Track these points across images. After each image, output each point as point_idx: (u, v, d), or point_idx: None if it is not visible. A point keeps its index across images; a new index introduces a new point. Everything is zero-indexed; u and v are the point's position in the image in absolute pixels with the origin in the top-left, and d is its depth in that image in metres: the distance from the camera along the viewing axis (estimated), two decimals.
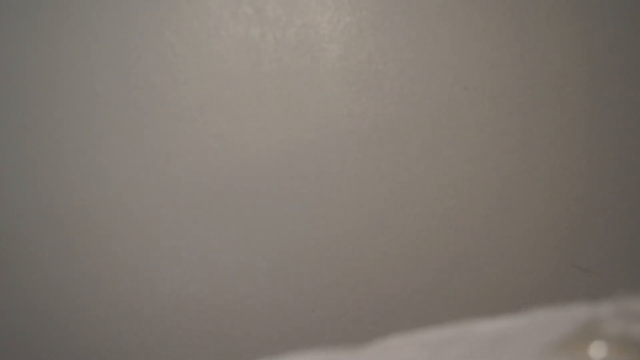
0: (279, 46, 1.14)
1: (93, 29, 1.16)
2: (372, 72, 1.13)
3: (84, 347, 1.12)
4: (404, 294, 1.02)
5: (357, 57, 1.13)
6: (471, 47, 1.12)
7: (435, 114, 1.11)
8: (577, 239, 1.02)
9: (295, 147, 1.12)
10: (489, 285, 1.01)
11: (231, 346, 1.08)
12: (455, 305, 1.06)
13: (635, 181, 1.05)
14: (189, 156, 1.14)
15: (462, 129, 1.11)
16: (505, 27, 1.12)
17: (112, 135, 1.15)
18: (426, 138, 1.11)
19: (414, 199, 1.09)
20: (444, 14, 1.13)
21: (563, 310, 0.49)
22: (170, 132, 1.15)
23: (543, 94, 1.12)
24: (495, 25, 1.12)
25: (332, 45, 1.14)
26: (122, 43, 1.16)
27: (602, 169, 1.06)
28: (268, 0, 1.15)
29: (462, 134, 1.11)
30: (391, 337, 0.56)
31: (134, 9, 1.16)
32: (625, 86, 1.08)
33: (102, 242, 1.14)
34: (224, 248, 1.11)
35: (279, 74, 1.14)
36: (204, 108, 1.15)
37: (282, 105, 1.14)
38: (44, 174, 1.15)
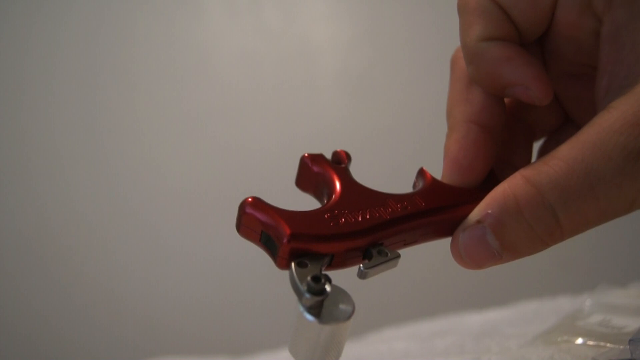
0: (277, 57, 1.16)
1: (97, 42, 1.17)
2: (369, 81, 1.13)
3: (86, 347, 1.12)
4: (397, 288, 1.04)
5: (354, 67, 1.14)
6: None
7: (432, 122, 1.11)
8: None
9: (294, 154, 1.13)
10: (478, 279, 1.03)
11: (234, 340, 1.09)
12: (445, 299, 1.08)
13: None
14: (192, 162, 1.15)
15: None
16: None
17: (118, 143, 1.16)
18: (423, 145, 1.11)
19: None
20: (439, 24, 1.13)
21: (547, 302, 0.51)
22: (174, 141, 1.16)
23: None
24: None
25: (329, 56, 1.15)
26: (125, 56, 1.17)
27: None
28: (267, 12, 1.16)
29: None
30: (384, 329, 0.58)
31: (135, 24, 1.17)
32: None
33: (107, 244, 1.14)
34: (227, 250, 1.12)
35: (278, 84, 1.15)
36: (206, 118, 1.15)
37: (281, 114, 1.14)
38: (49, 179, 1.16)
